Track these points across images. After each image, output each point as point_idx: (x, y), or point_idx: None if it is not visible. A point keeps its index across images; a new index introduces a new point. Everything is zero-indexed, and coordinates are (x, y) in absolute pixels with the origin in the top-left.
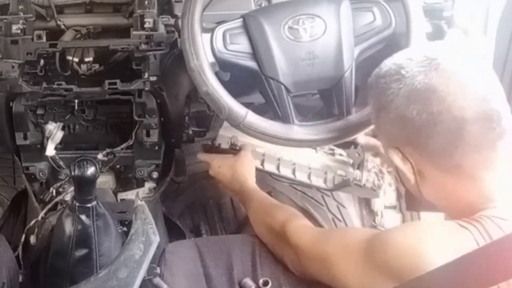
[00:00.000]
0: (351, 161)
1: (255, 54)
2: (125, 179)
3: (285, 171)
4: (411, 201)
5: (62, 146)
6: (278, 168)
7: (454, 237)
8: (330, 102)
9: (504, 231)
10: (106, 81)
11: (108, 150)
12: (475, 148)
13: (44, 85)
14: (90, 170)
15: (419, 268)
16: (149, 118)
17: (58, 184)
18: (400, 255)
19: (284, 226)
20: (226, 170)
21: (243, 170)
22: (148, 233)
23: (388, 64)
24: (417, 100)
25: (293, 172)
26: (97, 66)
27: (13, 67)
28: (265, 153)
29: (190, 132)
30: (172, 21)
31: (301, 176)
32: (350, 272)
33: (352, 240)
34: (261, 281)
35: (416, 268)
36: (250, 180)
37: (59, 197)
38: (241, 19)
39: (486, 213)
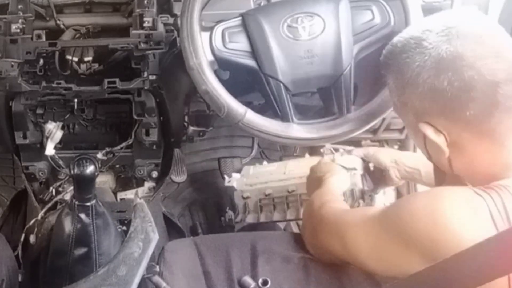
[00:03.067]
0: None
1: (254, 53)
2: (125, 179)
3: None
4: (439, 179)
5: (62, 145)
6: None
7: (468, 202)
8: (329, 100)
9: None
10: (106, 80)
11: (107, 149)
12: (509, 110)
13: (44, 84)
14: (90, 169)
15: (432, 229)
16: (149, 117)
17: (58, 183)
18: (413, 216)
19: (320, 206)
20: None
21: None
22: (147, 231)
23: (402, 39)
24: (446, 69)
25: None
26: (96, 65)
27: (12, 66)
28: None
29: (190, 131)
30: (171, 20)
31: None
32: (363, 243)
33: (369, 212)
34: (260, 280)
35: (429, 229)
36: (330, 178)
37: (59, 197)
38: (240, 18)
39: (503, 182)
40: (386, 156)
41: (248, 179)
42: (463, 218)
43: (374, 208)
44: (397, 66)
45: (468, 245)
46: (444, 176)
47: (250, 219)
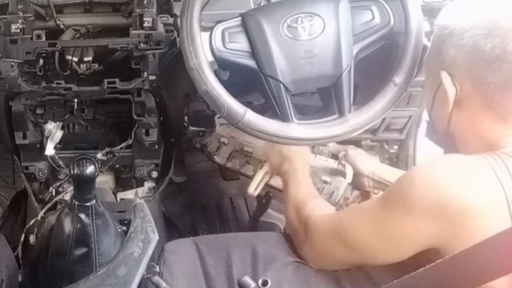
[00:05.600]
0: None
1: (254, 53)
2: (125, 179)
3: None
4: (431, 130)
5: (62, 145)
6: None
7: (468, 161)
8: (329, 100)
9: None
10: (105, 80)
11: (107, 149)
12: None
13: (43, 84)
14: (89, 169)
15: (434, 191)
16: (148, 117)
17: (58, 183)
18: (413, 182)
19: (309, 214)
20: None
21: (295, 152)
22: (147, 231)
23: None
24: (496, 36)
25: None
26: (96, 65)
27: (12, 66)
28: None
29: (190, 131)
30: (171, 20)
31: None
32: (369, 230)
33: (364, 204)
34: (260, 281)
35: (432, 192)
36: (298, 162)
37: (59, 197)
38: (240, 18)
39: (504, 150)
40: (365, 164)
41: (232, 131)
42: (463, 173)
43: (366, 200)
44: (458, 14)
45: (473, 200)
46: (435, 130)
47: (217, 159)
